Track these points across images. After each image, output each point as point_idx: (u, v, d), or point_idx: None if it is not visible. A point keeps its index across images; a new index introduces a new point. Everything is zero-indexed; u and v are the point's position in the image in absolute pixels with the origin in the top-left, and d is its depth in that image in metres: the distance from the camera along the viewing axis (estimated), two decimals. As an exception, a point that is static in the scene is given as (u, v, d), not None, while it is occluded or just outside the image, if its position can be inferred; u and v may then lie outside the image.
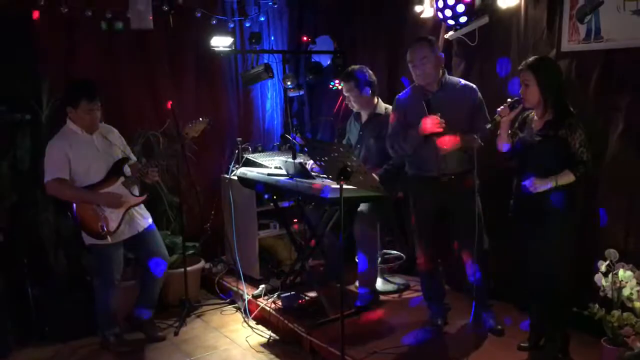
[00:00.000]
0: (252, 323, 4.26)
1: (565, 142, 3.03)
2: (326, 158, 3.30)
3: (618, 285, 3.01)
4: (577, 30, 3.53)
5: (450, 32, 4.27)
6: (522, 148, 3.19)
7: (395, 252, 4.72)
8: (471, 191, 3.41)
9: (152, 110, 4.88)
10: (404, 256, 4.66)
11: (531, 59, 3.13)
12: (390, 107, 4.21)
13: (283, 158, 4.34)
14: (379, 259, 4.38)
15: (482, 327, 3.64)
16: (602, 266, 3.08)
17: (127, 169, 3.73)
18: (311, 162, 4.19)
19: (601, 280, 3.08)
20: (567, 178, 2.99)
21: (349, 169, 3.02)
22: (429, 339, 3.63)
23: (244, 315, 4.37)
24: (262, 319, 4.26)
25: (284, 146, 5.19)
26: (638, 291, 2.99)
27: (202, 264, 4.83)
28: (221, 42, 4.87)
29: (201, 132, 3.89)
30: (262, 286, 4.47)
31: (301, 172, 3.87)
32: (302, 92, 5.26)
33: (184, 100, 5.08)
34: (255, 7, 5.39)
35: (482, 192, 3.57)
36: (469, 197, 3.43)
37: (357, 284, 4.25)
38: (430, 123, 3.34)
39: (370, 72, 4.19)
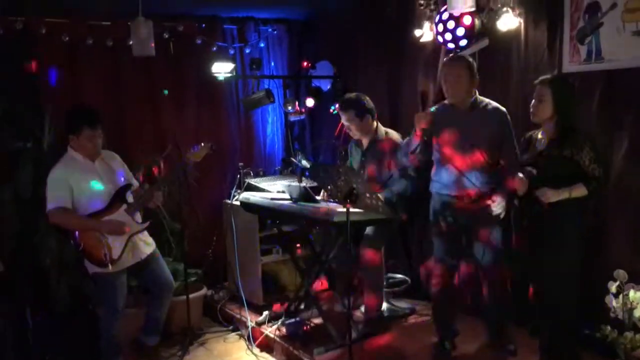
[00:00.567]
0: (257, 351, 4.19)
1: (570, 162, 3.02)
2: (332, 181, 3.28)
3: (629, 306, 2.99)
4: (577, 51, 3.56)
5: (450, 56, 4.29)
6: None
7: (400, 275, 4.68)
8: (490, 213, 3.38)
9: (154, 136, 4.89)
10: (409, 280, 4.62)
11: (548, 75, 3.15)
12: (390, 131, 4.22)
13: (286, 182, 4.33)
14: (384, 282, 4.34)
15: (496, 349, 3.59)
16: (613, 287, 3.05)
17: (129, 196, 3.70)
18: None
19: (612, 302, 3.05)
20: (580, 191, 2.99)
21: (355, 191, 3.00)
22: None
23: (247, 342, 4.30)
24: (267, 346, 4.19)
25: (286, 170, 5.18)
26: (650, 312, 2.96)
27: (204, 290, 4.78)
28: (222, 69, 4.89)
29: (203, 157, 3.85)
30: (265, 312, 4.41)
31: (305, 196, 3.85)
32: (303, 117, 5.27)
33: (186, 126, 5.11)
34: (255, 33, 5.44)
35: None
36: (488, 218, 3.40)
37: (362, 308, 4.20)
38: (418, 119, 3.40)
39: (367, 98, 4.17)
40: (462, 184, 3.45)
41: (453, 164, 3.46)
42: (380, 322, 4.11)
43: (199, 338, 4.45)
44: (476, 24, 4.02)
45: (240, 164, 4.91)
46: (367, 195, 3.21)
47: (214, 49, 5.15)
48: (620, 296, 3.02)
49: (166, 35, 4.83)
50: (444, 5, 4.22)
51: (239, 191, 4.73)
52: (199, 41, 5.06)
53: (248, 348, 4.25)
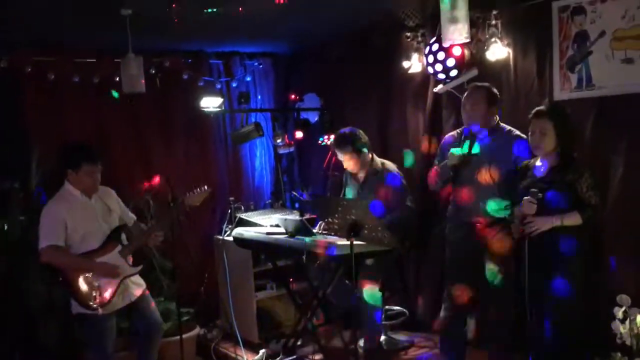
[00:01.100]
0: (254, 390, 4.09)
1: (572, 187, 3.05)
2: (334, 213, 3.24)
3: (636, 331, 2.98)
4: (568, 79, 3.62)
5: (439, 86, 4.34)
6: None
7: (397, 307, 4.62)
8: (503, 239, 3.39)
9: (143, 172, 4.81)
10: (407, 312, 4.57)
11: (543, 107, 3.17)
12: (387, 162, 4.22)
13: (280, 216, 4.28)
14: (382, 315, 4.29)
15: None
16: (619, 312, 3.05)
17: (124, 237, 3.59)
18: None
19: (619, 328, 3.04)
20: (573, 219, 3.00)
21: (359, 223, 2.97)
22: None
23: (244, 382, 4.19)
24: (265, 385, 4.09)
25: (277, 203, 5.13)
26: (657, 337, 2.96)
27: (197, 330, 4.66)
28: (211, 103, 4.87)
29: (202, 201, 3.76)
30: (262, 351, 4.31)
31: (303, 229, 3.80)
32: (292, 149, 5.26)
33: (174, 161, 5.05)
34: (241, 67, 5.45)
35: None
36: (501, 244, 3.40)
37: (361, 342, 4.13)
38: (451, 155, 3.49)
39: (360, 131, 4.16)
40: (478, 210, 3.47)
41: (470, 189, 3.49)
42: (379, 356, 4.04)
43: (193, 380, 4.32)
44: (465, 55, 4.08)
45: (231, 198, 4.85)
46: (372, 226, 3.17)
47: (201, 83, 5.13)
48: (627, 321, 3.01)
49: (153, 71, 4.80)
50: (432, 37, 4.30)
51: (230, 226, 4.65)
52: (185, 76, 5.04)
53: (245, 388, 4.14)
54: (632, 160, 3.35)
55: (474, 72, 4.11)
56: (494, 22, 3.91)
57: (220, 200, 5.19)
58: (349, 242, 3.17)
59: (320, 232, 3.88)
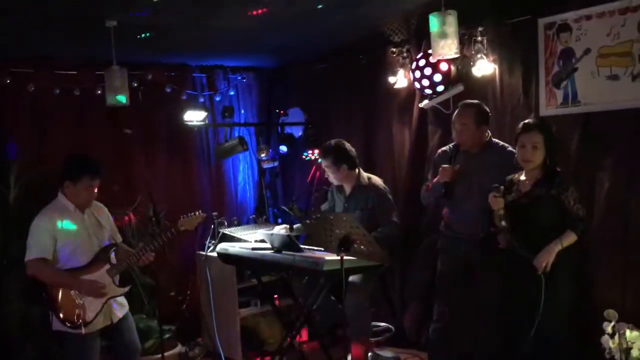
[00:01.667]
0: (239, 410, 4.00)
1: (557, 201, 3.07)
2: (326, 229, 3.20)
3: (625, 346, 2.98)
4: (554, 95, 3.66)
5: (425, 101, 4.35)
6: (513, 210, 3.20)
7: (383, 324, 4.58)
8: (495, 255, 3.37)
9: (124, 185, 4.71)
10: (393, 328, 4.52)
11: (532, 121, 3.20)
12: (373, 176, 4.20)
13: (265, 231, 4.22)
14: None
15: None
16: (608, 327, 3.05)
17: (112, 256, 3.47)
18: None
19: (608, 342, 3.05)
20: (570, 239, 3.03)
21: (349, 238, 2.94)
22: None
23: (228, 401, 4.10)
24: (249, 404, 4.01)
25: (261, 219, 5.07)
26: (646, 351, 2.96)
27: (179, 348, 4.55)
28: (195, 117, 4.82)
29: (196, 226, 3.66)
30: (246, 368, 4.23)
31: (289, 245, 3.75)
32: (276, 164, 5.21)
33: (156, 175, 4.97)
34: (224, 81, 5.41)
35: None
36: (493, 260, 3.37)
37: (349, 358, 4.07)
38: (442, 171, 3.45)
39: (348, 145, 4.15)
40: (470, 225, 3.48)
41: (462, 204, 3.52)
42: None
43: (175, 399, 4.20)
44: (452, 70, 4.10)
45: (215, 213, 4.77)
46: (360, 241, 3.14)
47: (184, 97, 5.07)
48: (616, 336, 3.01)
49: (135, 84, 4.72)
50: (417, 52, 4.32)
51: (213, 242, 4.58)
52: (168, 89, 4.98)
53: (229, 408, 4.04)
54: (618, 176, 3.39)
55: (460, 88, 4.14)
56: (480, 38, 3.95)
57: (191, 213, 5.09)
58: (338, 257, 3.13)
59: (306, 247, 3.83)
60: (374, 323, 4.50)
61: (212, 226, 4.70)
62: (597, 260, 3.49)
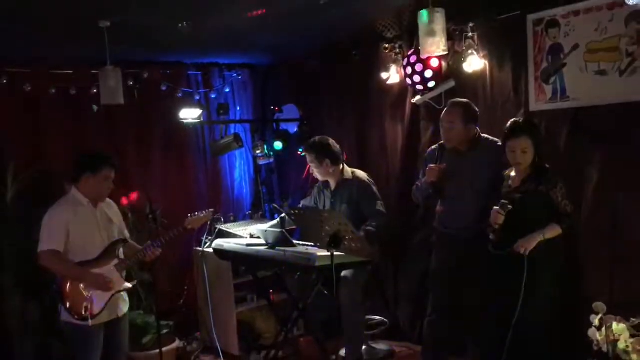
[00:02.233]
0: (235, 403, 4.06)
1: (545, 196, 3.12)
2: (313, 225, 3.26)
3: (613, 338, 3.02)
4: (543, 90, 3.69)
5: (417, 97, 4.39)
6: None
7: (377, 317, 4.63)
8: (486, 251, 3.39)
9: (120, 183, 4.72)
10: (387, 321, 4.58)
11: (519, 123, 3.21)
12: (357, 171, 4.25)
13: (260, 227, 4.27)
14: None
15: None
16: (595, 320, 3.09)
17: (121, 251, 3.55)
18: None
19: (596, 335, 3.09)
20: (554, 231, 3.08)
21: (339, 235, 2.98)
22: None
23: (225, 395, 4.16)
24: (246, 398, 4.07)
25: (257, 215, 5.12)
26: (632, 343, 3.00)
27: (177, 343, 4.61)
28: (190, 114, 4.85)
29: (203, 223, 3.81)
30: (243, 363, 4.30)
31: (283, 241, 3.80)
32: (271, 160, 5.26)
33: (152, 172, 5.01)
34: (220, 79, 5.45)
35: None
36: (483, 256, 3.39)
37: (343, 352, 4.13)
38: (429, 171, 3.48)
39: (332, 142, 4.18)
40: (463, 223, 3.51)
41: (455, 203, 3.55)
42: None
43: (173, 393, 4.27)
44: (443, 66, 4.14)
45: (211, 210, 4.80)
46: (350, 238, 3.19)
47: (179, 94, 5.12)
48: (603, 329, 3.05)
49: (131, 82, 4.77)
50: (409, 49, 4.35)
51: (209, 238, 4.63)
52: (164, 87, 5.02)
53: (226, 401, 4.11)
54: (606, 170, 3.42)
55: (451, 84, 4.17)
56: (470, 34, 3.98)
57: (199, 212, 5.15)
58: (329, 253, 3.18)
59: (300, 243, 3.88)
60: (368, 317, 4.56)
61: (209, 222, 4.74)
62: (585, 253, 3.53)
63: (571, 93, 3.56)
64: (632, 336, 3.03)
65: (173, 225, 4.45)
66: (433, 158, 3.66)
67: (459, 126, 3.52)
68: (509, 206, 3.12)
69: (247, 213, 5.28)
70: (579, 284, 3.52)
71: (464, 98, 4.05)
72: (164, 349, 4.18)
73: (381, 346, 4.42)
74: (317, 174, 4.22)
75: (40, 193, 4.02)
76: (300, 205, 4.40)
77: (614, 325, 3.02)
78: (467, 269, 3.57)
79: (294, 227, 4.29)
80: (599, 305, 3.14)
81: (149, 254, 3.55)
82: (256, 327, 4.74)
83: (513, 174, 3.32)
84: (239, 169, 5.62)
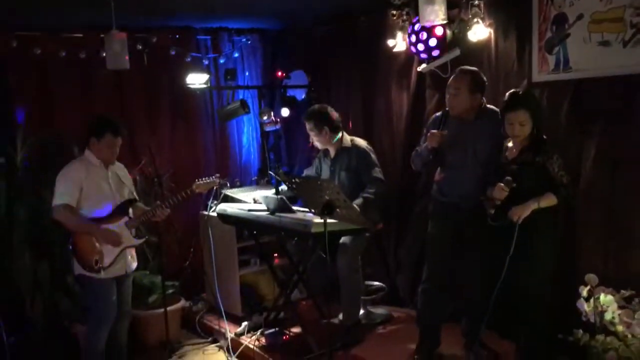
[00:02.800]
0: (236, 362, 4.20)
1: (542, 168, 3.12)
2: (309, 193, 3.32)
3: (600, 310, 3.06)
4: (546, 61, 3.64)
5: (423, 65, 4.36)
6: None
7: (377, 283, 4.72)
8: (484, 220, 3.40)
9: (128, 147, 4.83)
10: (386, 287, 4.66)
11: (518, 95, 3.18)
12: (356, 138, 4.28)
13: (262, 193, 4.34)
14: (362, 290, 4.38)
15: (473, 353, 3.67)
16: (584, 291, 3.12)
17: (131, 211, 3.71)
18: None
19: (584, 306, 3.12)
20: (549, 200, 3.09)
21: (332, 203, 3.04)
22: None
23: (227, 354, 4.29)
24: (246, 357, 4.19)
25: (262, 180, 5.19)
26: (620, 315, 3.04)
27: (182, 303, 4.76)
28: (197, 80, 4.87)
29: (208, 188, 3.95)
30: (244, 323, 4.42)
31: (283, 207, 3.87)
32: (278, 127, 5.29)
33: (160, 137, 5.09)
34: (229, 43, 5.44)
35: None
36: (481, 225, 3.42)
37: (340, 316, 4.23)
38: (430, 136, 3.46)
39: (330, 109, 4.21)
40: (463, 192, 3.52)
41: (456, 171, 3.55)
42: (358, 330, 4.14)
43: (177, 351, 4.42)
44: (448, 35, 4.09)
45: (217, 174, 4.88)
46: (343, 205, 3.24)
47: (188, 59, 5.14)
48: (592, 300, 3.09)
49: (140, 47, 4.81)
50: (416, 16, 4.30)
51: (215, 202, 4.72)
52: (172, 52, 5.05)
53: (228, 359, 4.24)
54: (603, 143, 3.40)
55: (457, 52, 4.12)
56: (477, 2, 3.91)
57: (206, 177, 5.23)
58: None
59: (300, 209, 3.95)
60: (368, 282, 4.65)
61: (215, 187, 4.83)
62: (582, 226, 3.54)
63: (574, 64, 3.51)
64: (621, 307, 3.07)
65: (180, 189, 4.60)
66: (436, 124, 3.64)
67: (465, 93, 3.49)
68: (513, 183, 3.11)
69: (253, 179, 5.35)
70: (573, 256, 3.54)
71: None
72: (169, 308, 4.33)
73: (379, 311, 4.51)
74: (317, 143, 4.26)
75: (49, 156, 4.14)
76: (303, 174, 4.45)
77: (602, 296, 3.05)
78: (464, 237, 3.61)
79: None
80: (591, 277, 3.16)
81: (158, 214, 3.73)
82: (259, 289, 4.86)
83: (510, 144, 3.32)
84: (247, 135, 5.67)
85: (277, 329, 4.21)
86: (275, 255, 4.78)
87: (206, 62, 5.28)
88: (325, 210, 3.05)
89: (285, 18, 5.27)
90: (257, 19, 5.34)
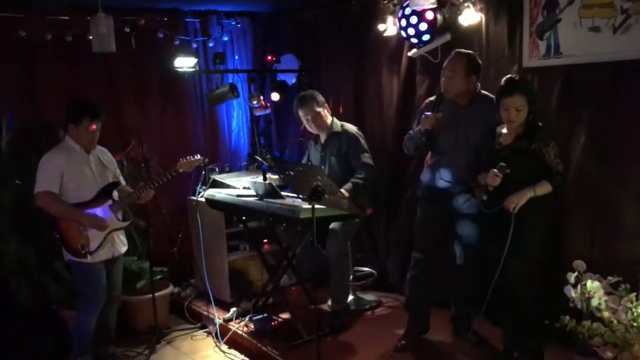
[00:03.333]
0: (225, 347, 4.18)
1: (538, 155, 3.10)
2: (297, 179, 3.29)
3: (587, 296, 3.07)
4: (537, 46, 3.62)
5: (413, 50, 4.32)
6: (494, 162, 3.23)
7: (366, 269, 4.72)
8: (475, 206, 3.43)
9: (117, 131, 4.79)
10: (376, 273, 4.66)
11: (514, 81, 3.15)
12: (345, 124, 4.27)
13: (251, 178, 4.31)
14: (351, 276, 4.38)
15: (462, 339, 3.70)
16: (571, 277, 3.13)
17: (115, 194, 3.70)
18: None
19: (571, 292, 3.14)
20: (545, 188, 3.08)
21: (320, 189, 3.02)
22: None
23: (215, 339, 4.29)
24: (235, 342, 4.19)
25: (252, 166, 5.15)
26: (606, 301, 3.05)
27: (170, 288, 4.74)
28: (185, 63, 4.82)
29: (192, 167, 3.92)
30: (233, 309, 4.41)
31: (271, 192, 3.84)
32: (268, 111, 5.25)
33: (149, 121, 5.03)
34: (218, 26, 5.37)
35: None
36: (472, 211, 3.45)
37: (329, 302, 4.23)
38: (424, 119, 3.43)
39: (318, 95, 4.24)
40: (455, 176, 3.51)
41: (449, 155, 3.53)
42: (346, 315, 4.15)
43: (166, 336, 4.41)
44: (438, 19, 4.05)
45: (205, 159, 4.85)
46: (331, 191, 3.22)
47: (177, 42, 5.07)
48: (579, 286, 3.10)
49: (127, 30, 4.73)
50: (406, 0, 4.26)
51: (204, 187, 4.69)
52: (160, 35, 4.97)
53: (216, 345, 4.24)
54: (593, 130, 3.39)
55: (447, 37, 4.09)
56: (467, -15, 3.88)
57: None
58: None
59: (289, 195, 3.92)
60: (357, 268, 4.65)
61: (203, 172, 4.81)
62: (570, 212, 3.54)
63: (564, 49, 3.49)
64: (607, 294, 3.08)
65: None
66: (430, 107, 3.62)
67: (460, 76, 3.46)
68: (507, 170, 3.10)
69: (243, 164, 5.32)
70: (561, 242, 3.54)
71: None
72: (157, 294, 4.33)
73: (369, 296, 4.52)
74: (314, 127, 4.23)
75: (35, 140, 4.09)
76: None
77: (589, 283, 3.06)
78: (454, 223, 3.61)
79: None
80: (579, 263, 3.18)
81: (143, 196, 3.73)
82: (248, 275, 4.85)
83: (504, 131, 3.29)
84: (237, 119, 5.62)
85: (265, 314, 4.21)
86: (265, 241, 4.76)
87: (195, 46, 5.20)
88: (313, 196, 3.03)
89: (276, 1, 5.20)
90: (247, 2, 5.27)
